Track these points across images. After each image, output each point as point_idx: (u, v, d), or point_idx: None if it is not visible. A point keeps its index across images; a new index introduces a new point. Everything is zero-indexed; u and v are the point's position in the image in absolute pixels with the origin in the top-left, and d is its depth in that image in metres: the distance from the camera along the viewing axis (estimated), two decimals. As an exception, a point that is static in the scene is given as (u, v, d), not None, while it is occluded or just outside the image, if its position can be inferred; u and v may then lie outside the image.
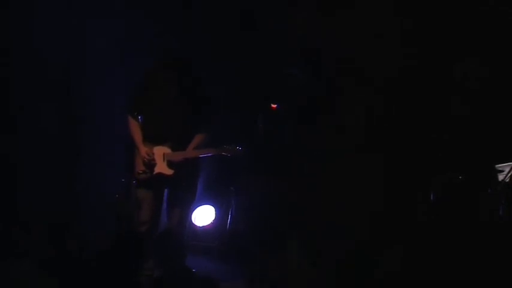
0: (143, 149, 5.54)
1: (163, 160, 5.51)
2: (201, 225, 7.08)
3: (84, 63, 6.63)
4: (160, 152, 5.51)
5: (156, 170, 5.52)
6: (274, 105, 7.11)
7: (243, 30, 7.08)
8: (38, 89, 6.43)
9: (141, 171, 5.56)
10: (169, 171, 5.51)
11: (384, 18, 6.50)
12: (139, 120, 5.66)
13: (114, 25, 6.64)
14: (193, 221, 6.97)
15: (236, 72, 7.16)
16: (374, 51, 6.48)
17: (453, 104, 6.36)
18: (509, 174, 5.74)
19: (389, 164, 6.41)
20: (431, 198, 6.15)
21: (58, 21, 6.40)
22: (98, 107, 6.65)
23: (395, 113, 6.42)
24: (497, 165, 5.92)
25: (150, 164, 5.52)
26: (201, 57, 6.47)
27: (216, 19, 7.02)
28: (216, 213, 7.11)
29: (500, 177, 5.83)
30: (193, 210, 6.87)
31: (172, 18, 6.82)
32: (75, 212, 6.47)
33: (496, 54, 6.23)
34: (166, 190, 5.69)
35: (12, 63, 6.31)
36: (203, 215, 7.10)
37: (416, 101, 6.42)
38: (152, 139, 5.55)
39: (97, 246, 5.52)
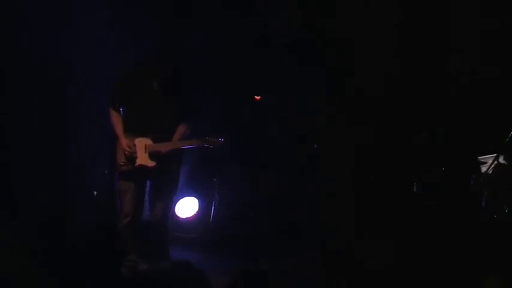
0: (124, 141, 5.50)
1: (145, 152, 5.48)
2: (184, 216, 7.05)
3: (72, 57, 6.57)
4: (141, 143, 5.48)
5: (138, 162, 5.48)
6: (257, 97, 7.11)
7: (230, 21, 7.07)
8: (25, 84, 6.38)
9: (122, 163, 5.53)
10: (151, 163, 5.47)
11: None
12: (121, 112, 5.63)
13: (103, 21, 6.59)
14: (176, 213, 6.94)
15: (221, 64, 7.13)
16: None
17: (438, 98, 6.41)
18: (491, 166, 5.78)
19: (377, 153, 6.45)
20: (415, 189, 6.18)
21: (48, 17, 6.35)
22: (86, 100, 6.63)
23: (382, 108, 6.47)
24: (480, 157, 5.96)
25: (131, 156, 5.49)
26: (185, 48, 6.45)
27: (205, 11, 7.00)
28: (199, 205, 7.08)
29: (483, 168, 5.87)
30: (177, 202, 6.85)
31: (160, 11, 6.79)
32: (65, 206, 6.43)
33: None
34: (148, 182, 5.67)
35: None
36: (186, 207, 7.07)
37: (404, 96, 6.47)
38: (134, 131, 5.52)
39: (85, 238, 5.53)
